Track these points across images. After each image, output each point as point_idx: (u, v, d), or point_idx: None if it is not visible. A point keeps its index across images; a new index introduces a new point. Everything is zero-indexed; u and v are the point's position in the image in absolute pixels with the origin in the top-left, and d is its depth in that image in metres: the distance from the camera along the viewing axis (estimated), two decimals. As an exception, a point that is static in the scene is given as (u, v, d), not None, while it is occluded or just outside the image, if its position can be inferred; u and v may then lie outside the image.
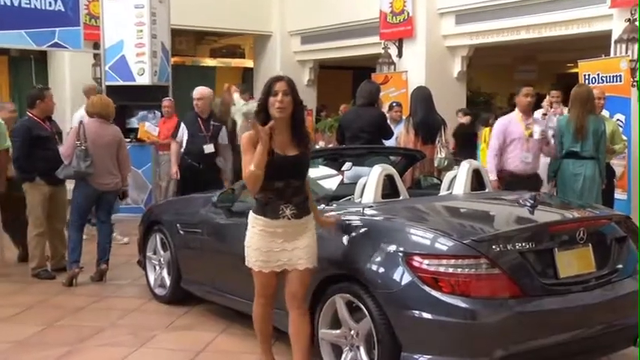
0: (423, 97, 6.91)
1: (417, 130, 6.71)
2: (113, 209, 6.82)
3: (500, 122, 6.49)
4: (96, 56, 10.75)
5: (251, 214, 3.79)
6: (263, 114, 3.68)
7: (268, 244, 3.71)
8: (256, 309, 3.97)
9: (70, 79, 11.79)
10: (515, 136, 6.29)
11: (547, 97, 8.54)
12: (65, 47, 9.42)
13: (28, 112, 6.65)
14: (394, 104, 9.32)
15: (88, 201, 6.45)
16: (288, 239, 3.71)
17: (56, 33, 9.06)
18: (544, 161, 7.71)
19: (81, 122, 6.45)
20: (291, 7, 13.21)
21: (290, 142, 3.72)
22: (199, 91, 7.41)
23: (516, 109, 6.41)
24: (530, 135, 6.29)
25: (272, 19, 13.36)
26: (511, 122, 6.37)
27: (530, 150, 6.31)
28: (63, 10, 9.05)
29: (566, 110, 8.13)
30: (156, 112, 9.68)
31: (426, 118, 6.75)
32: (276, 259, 3.73)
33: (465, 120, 10.40)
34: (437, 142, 6.69)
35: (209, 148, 7.28)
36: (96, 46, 10.54)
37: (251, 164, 3.59)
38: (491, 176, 5.84)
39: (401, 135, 6.96)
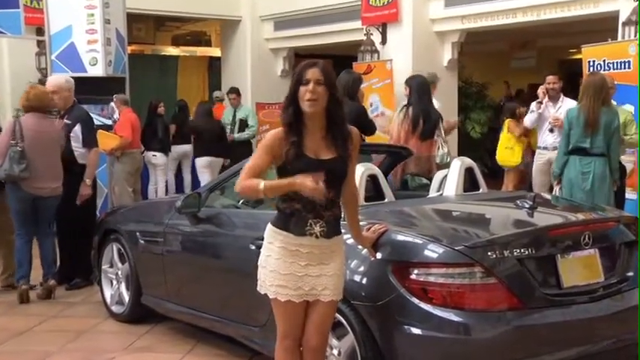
0: (422, 87, 6.91)
1: (414, 122, 6.70)
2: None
3: None
4: (40, 43, 10.60)
5: (269, 228, 3.43)
6: (292, 107, 3.33)
7: (289, 266, 3.35)
8: (279, 354, 3.52)
9: (10, 70, 11.59)
10: None
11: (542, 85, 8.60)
12: (3, 33, 9.26)
13: None
14: None
15: (25, 204, 6.30)
16: (312, 262, 3.36)
17: None
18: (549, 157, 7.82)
19: (16, 118, 6.33)
20: (263, -12, 13.19)
21: (324, 142, 3.37)
22: (52, 82, 6.85)
23: None
24: None
25: (241, 3, 13.27)
26: None
27: None
28: None
29: (565, 101, 8.28)
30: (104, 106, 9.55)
31: (427, 110, 6.77)
32: (296, 286, 3.35)
33: None
34: (436, 135, 6.70)
35: None
36: (40, 32, 10.38)
37: (261, 181, 3.25)
38: None
39: (393, 126, 6.91)
